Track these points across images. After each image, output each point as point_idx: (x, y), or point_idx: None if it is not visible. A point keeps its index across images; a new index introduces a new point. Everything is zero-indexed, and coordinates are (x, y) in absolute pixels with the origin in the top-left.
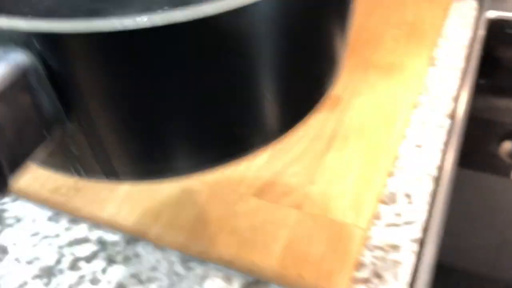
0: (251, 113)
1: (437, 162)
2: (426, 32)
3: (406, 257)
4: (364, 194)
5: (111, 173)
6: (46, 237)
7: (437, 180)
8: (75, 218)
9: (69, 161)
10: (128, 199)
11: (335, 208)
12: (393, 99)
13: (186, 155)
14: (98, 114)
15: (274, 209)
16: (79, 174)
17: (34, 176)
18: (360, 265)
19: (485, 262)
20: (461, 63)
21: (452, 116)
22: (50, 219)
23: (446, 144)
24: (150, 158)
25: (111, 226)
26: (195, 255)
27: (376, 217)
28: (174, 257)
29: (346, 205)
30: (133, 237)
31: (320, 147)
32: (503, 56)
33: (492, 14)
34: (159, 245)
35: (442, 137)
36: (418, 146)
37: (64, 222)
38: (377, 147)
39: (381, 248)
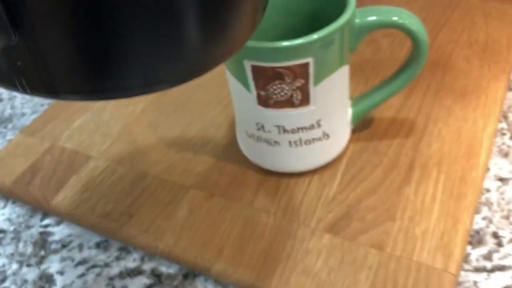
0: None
1: None
2: (500, 52)
3: None
4: (451, 234)
5: (52, 90)
6: (94, 266)
7: None
8: (127, 246)
9: (14, 74)
10: (187, 229)
11: (421, 249)
12: (472, 126)
13: (126, 74)
14: (43, 29)
15: (352, 248)
16: (24, 89)
17: (82, 197)
18: None
19: None
20: None
21: None
22: (98, 246)
23: None
24: (89, 75)
25: (167, 258)
26: None
27: (464, 260)
28: None
29: (433, 246)
30: (192, 271)
31: (398, 178)
32: None
33: None
34: (221, 282)
35: None
36: (502, 179)
37: (114, 250)
38: (460, 180)
39: None
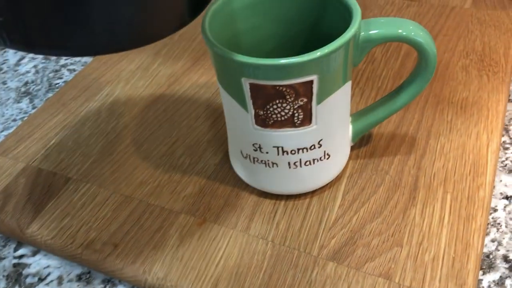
0: None
1: None
2: (498, 62)
3: None
4: (463, 260)
5: (30, 43)
6: None
7: None
8: (112, 278)
9: None
10: (178, 259)
11: (431, 278)
12: (475, 141)
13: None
14: None
15: (359, 278)
16: (4, 42)
17: (60, 225)
18: None
19: None
20: None
21: None
22: (80, 279)
23: None
24: (62, 31)
25: None
26: None
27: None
28: None
29: (444, 274)
30: None
31: (402, 199)
32: None
33: None
34: None
35: None
36: (509, 197)
37: (97, 283)
38: (468, 201)
39: None
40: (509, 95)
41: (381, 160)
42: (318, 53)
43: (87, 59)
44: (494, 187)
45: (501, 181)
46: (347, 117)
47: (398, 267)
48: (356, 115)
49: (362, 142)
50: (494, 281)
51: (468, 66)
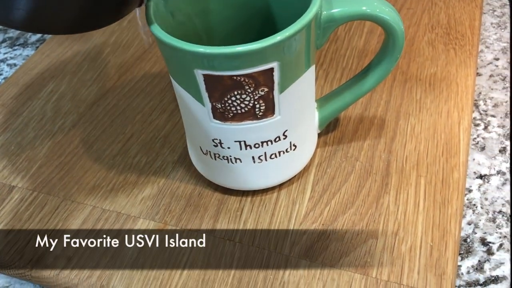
0: None
1: (508, 196)
2: (464, 34)
3: None
4: (441, 248)
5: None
6: None
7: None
8: None
9: None
10: (139, 270)
11: (409, 270)
12: (446, 119)
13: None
14: None
15: (334, 275)
16: None
17: (6, 240)
18: None
19: None
20: (507, 72)
21: None
22: None
23: None
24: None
25: None
26: None
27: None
28: None
29: (422, 265)
30: None
31: (375, 187)
32: None
33: None
34: None
35: (507, 164)
36: (482, 176)
37: None
38: (443, 184)
39: None
40: (477, 69)
41: (350, 146)
42: (278, 37)
43: (28, 53)
44: (467, 166)
45: (474, 159)
46: (312, 104)
47: (375, 261)
48: (321, 101)
49: (329, 128)
50: (473, 266)
51: (434, 41)
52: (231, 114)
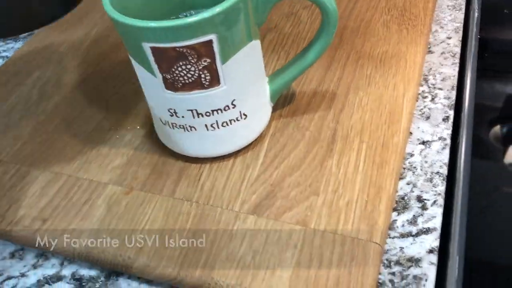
0: None
1: (446, 159)
2: (417, 15)
3: (428, 271)
4: (375, 203)
5: None
6: (10, 277)
7: (448, 179)
8: (45, 252)
9: None
10: (105, 228)
11: (345, 221)
12: (392, 92)
13: None
14: None
15: (276, 228)
16: None
17: None
18: (378, 286)
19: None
20: (457, 49)
21: (457, 107)
22: (13, 256)
23: (454, 138)
24: None
25: (86, 260)
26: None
27: (390, 227)
28: None
29: (357, 217)
30: (114, 271)
31: (321, 152)
32: (493, 38)
33: None
34: (144, 279)
35: (448, 131)
36: (425, 142)
37: (31, 258)
38: (383, 147)
39: (399, 264)
40: (429, 47)
41: (302, 117)
42: (213, 10)
43: (19, 46)
44: (411, 133)
45: (418, 127)
46: (260, 77)
47: (314, 214)
48: (272, 76)
49: (285, 102)
50: (407, 220)
51: (389, 22)
52: (180, 84)
